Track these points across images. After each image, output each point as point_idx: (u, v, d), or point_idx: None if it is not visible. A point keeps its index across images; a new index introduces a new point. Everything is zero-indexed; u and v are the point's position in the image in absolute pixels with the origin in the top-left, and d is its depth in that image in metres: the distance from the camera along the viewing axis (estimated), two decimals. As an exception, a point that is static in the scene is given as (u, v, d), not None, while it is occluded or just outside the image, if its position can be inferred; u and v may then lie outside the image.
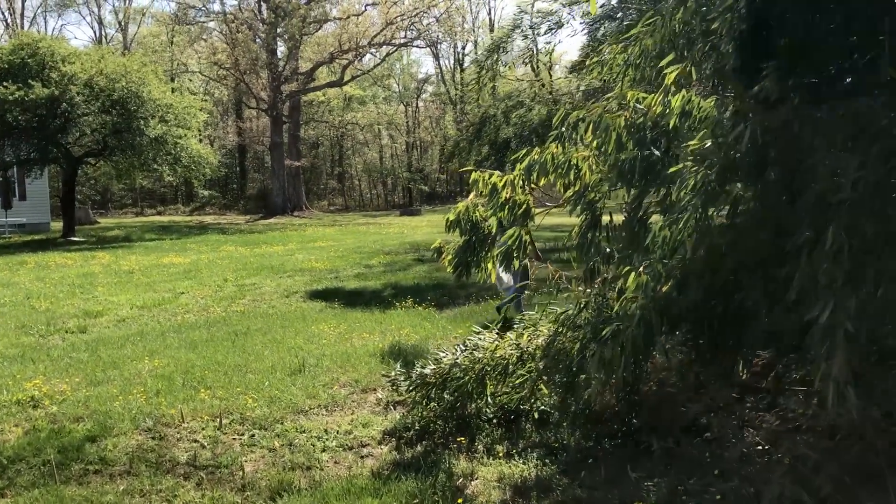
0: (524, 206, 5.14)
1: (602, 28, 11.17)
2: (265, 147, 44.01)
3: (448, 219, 5.56)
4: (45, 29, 52.72)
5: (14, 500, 4.52)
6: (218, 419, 5.80)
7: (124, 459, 5.06)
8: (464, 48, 53.67)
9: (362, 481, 4.64)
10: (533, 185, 5.18)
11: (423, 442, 5.22)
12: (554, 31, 12.60)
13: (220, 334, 9.01)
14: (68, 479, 4.78)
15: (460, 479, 4.63)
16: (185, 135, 26.74)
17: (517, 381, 5.24)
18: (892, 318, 3.38)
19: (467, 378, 5.35)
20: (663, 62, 4.15)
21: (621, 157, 4.40)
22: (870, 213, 3.37)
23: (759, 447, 4.46)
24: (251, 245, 21.73)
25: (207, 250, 20.44)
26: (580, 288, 4.98)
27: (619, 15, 10.78)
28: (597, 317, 4.61)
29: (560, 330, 4.90)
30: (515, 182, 4.86)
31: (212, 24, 39.67)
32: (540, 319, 5.55)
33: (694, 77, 4.08)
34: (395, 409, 6.01)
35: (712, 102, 3.92)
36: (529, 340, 5.36)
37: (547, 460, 4.79)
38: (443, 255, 5.80)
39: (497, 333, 5.71)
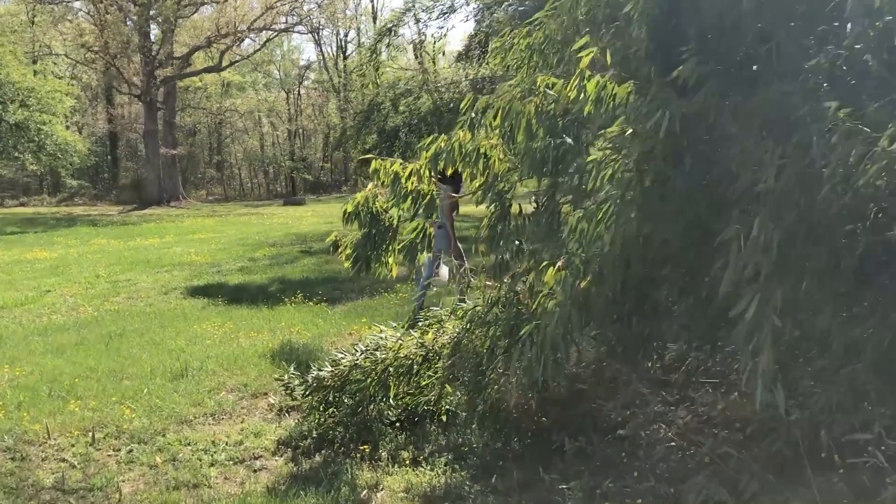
0: (429, 197, 4.85)
1: (496, 13, 10.98)
2: (139, 135, 41.83)
3: (345, 210, 5.21)
4: None
5: None
6: (90, 433, 5.25)
7: (-22, 486, 4.47)
8: (346, 35, 52.78)
9: (256, 499, 4.25)
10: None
11: (323, 451, 4.86)
12: (447, 15, 12.33)
13: (91, 337, 8.28)
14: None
15: (364, 492, 4.31)
16: (50, 121, 25.01)
17: (424, 383, 4.94)
18: (815, 312, 3.28)
19: (369, 381, 5.02)
20: (577, 44, 3.93)
21: (533, 146, 4.17)
22: (794, 204, 3.27)
23: (673, 444, 4.34)
24: (125, 238, 20.48)
25: (77, 244, 19.10)
26: (489, 282, 4.73)
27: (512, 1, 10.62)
28: (508, 313, 4.38)
29: (468, 327, 4.64)
30: (422, 172, 4.55)
31: (77, 4, 37.27)
32: (447, 316, 5.27)
33: (608, 61, 3.88)
34: (289, 415, 5.61)
35: (629, 88, 3.72)
36: (435, 339, 5.08)
37: (456, 465, 4.53)
38: (340, 250, 5.44)
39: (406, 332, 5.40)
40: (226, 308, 9.87)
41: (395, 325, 5.59)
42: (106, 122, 46.63)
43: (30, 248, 18.22)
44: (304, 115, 53.24)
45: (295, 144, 52.71)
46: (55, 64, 44.21)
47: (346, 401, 5.17)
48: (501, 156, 4.54)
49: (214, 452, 4.93)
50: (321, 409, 5.24)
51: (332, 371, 5.29)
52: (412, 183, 4.64)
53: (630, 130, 3.47)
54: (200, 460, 4.81)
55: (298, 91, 54.24)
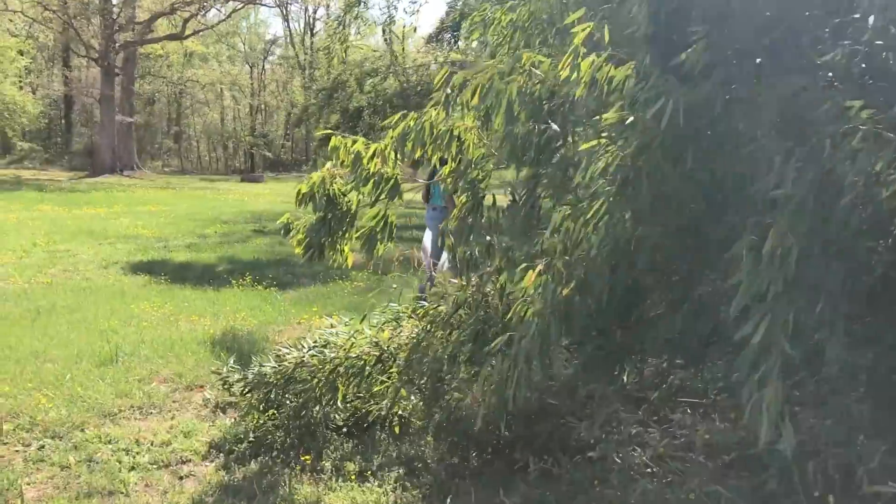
0: (392, 182, 4.35)
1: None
2: (94, 100, 40.37)
3: (300, 190, 4.67)
4: None
5: None
6: (-1, 424, 4.68)
7: None
8: (315, 12, 51.63)
9: (178, 513, 3.74)
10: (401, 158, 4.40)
11: (259, 458, 4.34)
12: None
13: (17, 311, 7.63)
14: None
15: (303, 509, 3.83)
16: (0, 80, 23.81)
17: (376, 388, 4.46)
18: (830, 337, 2.88)
19: (315, 381, 4.53)
20: (571, 17, 3.47)
21: (514, 131, 3.70)
22: (811, 213, 2.86)
23: (649, 470, 3.93)
24: (71, 205, 19.52)
25: (19, 209, 18.14)
26: (453, 280, 4.27)
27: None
28: (475, 316, 3.92)
29: (429, 328, 4.18)
30: (387, 153, 4.05)
31: (37, -40, 35.68)
32: (403, 313, 4.80)
33: (606, 40, 3.42)
34: (225, 413, 5.08)
35: (627, 71, 3.27)
36: (391, 338, 4.60)
37: (407, 482, 4.06)
38: (291, 234, 4.91)
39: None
40: (168, 287, 9.25)
41: (348, 318, 5.10)
42: (61, 84, 45.01)
43: (-33, 211, 17.26)
44: (268, 91, 52.06)
45: (256, 120, 51.51)
46: (11, 21, 42.47)
47: (288, 402, 4.67)
48: (476, 140, 4.06)
49: (137, 453, 4.39)
50: (260, 408, 4.73)
51: (275, 367, 4.79)
52: (375, 164, 4.13)
53: (631, 119, 3.02)
54: (120, 462, 4.26)
55: (263, 66, 53.06)
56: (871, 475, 3.20)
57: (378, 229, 4.51)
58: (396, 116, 4.01)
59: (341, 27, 14.28)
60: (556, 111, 3.74)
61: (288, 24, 53.61)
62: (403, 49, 23.32)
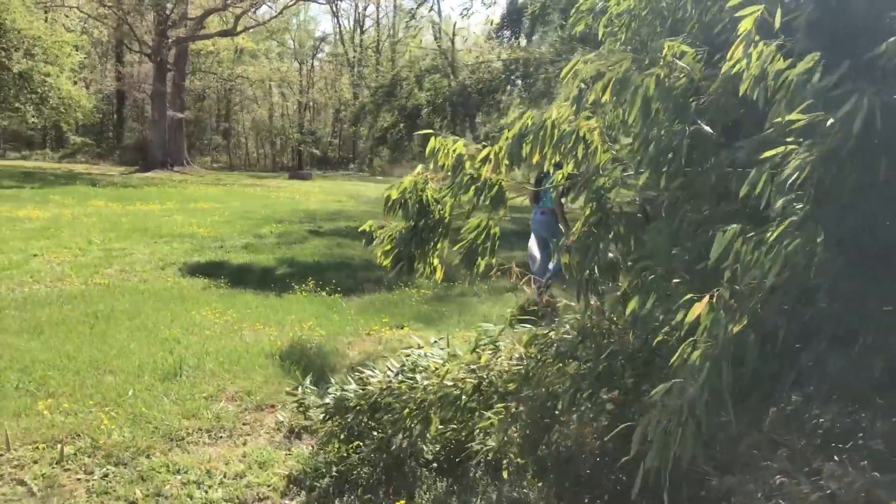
0: (496, 188, 3.84)
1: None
2: (146, 95, 40.61)
3: (388, 196, 4.19)
4: None
5: None
6: (59, 447, 4.27)
7: None
8: (365, 9, 51.46)
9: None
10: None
11: (344, 497, 3.86)
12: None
13: (75, 315, 7.29)
14: None
15: (401, 565, 3.34)
16: (56, 74, 23.83)
17: (480, 424, 3.93)
18: None
19: (406, 411, 4.04)
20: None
21: (655, 133, 3.16)
22: None
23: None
24: (124, 201, 19.38)
25: (73, 203, 18.01)
26: (573, 304, 3.75)
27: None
28: (598, 348, 3.39)
29: (542, 358, 3.66)
30: (500, 156, 3.53)
31: (94, -44, 35.97)
32: (500, 335, 4.28)
33: (777, 25, 2.87)
34: (301, 439, 4.63)
35: (809, 64, 2.72)
36: (489, 365, 4.09)
37: (514, 534, 3.56)
38: (374, 243, 4.42)
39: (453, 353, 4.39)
40: (228, 292, 8.86)
41: (437, 339, 4.60)
42: (114, 80, 45.43)
43: (23, 204, 17.13)
44: (316, 89, 52.03)
45: (304, 117, 51.52)
46: (67, 17, 42.95)
47: (374, 432, 4.19)
48: (601, 143, 3.52)
49: (209, 487, 3.95)
50: (342, 437, 4.26)
51: (358, 392, 4.32)
52: (486, 170, 3.62)
53: (830, 121, 2.46)
54: (191, 498, 3.83)
55: (312, 63, 53.03)
56: None
57: (479, 242, 4.01)
58: (514, 114, 3.49)
59: (412, 19, 13.80)
60: (704, 110, 3.18)
61: (338, 21, 53.62)
62: (462, 46, 22.79)
